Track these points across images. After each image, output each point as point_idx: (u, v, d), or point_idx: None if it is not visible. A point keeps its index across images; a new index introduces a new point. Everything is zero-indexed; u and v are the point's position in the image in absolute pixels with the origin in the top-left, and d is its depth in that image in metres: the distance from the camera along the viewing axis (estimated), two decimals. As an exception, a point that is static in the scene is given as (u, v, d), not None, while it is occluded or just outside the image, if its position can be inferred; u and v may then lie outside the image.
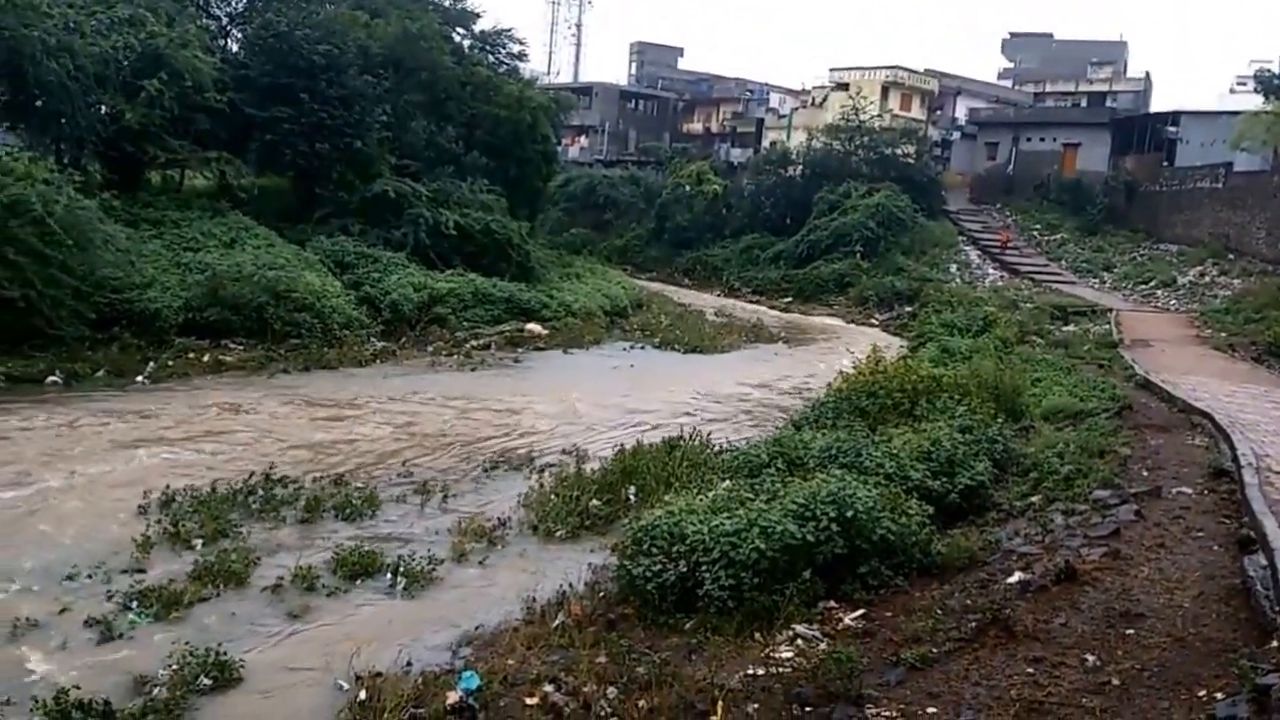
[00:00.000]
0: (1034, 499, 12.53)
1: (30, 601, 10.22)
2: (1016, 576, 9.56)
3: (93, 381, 20.78)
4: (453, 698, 8.19)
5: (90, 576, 10.99)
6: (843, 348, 31.68)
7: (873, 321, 42.75)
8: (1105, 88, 66.44)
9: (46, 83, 24.77)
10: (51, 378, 20.34)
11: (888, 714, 7.33)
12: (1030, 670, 7.61)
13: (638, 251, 59.60)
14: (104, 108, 27.86)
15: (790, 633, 9.18)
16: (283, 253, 29.04)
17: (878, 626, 9.24)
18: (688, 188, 58.58)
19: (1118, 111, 59.77)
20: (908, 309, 42.23)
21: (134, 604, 10.28)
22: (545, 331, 32.33)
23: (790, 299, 48.39)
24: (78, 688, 8.27)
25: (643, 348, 32.84)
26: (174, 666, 8.90)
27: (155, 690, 8.56)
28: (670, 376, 27.50)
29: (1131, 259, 46.60)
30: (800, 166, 57.03)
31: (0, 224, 20.80)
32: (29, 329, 21.23)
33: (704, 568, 9.79)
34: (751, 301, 48.38)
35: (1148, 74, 67.47)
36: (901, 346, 31.76)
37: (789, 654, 8.63)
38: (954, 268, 48.01)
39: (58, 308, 21.56)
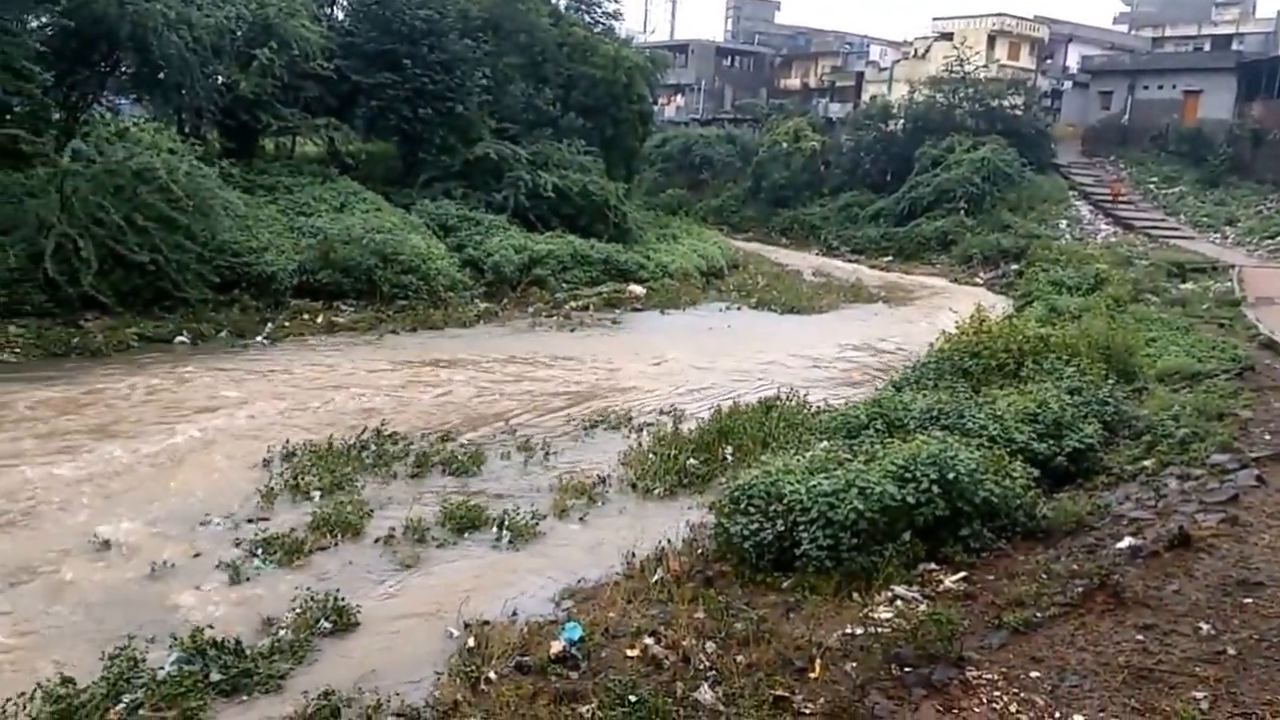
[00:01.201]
0: (1146, 463, 12.22)
1: (168, 546, 10.88)
2: (1127, 542, 9.39)
3: (216, 341, 21.74)
4: (556, 647, 8.48)
5: (220, 524, 11.66)
6: (945, 307, 31.14)
7: (977, 280, 41.75)
8: (1231, 29, 62.81)
9: (168, 55, 25.71)
10: (179, 338, 21.35)
11: (989, 676, 7.36)
12: (1140, 637, 7.52)
13: (734, 211, 59.13)
14: (220, 78, 28.81)
15: (889, 594, 9.22)
16: (389, 217, 29.74)
17: (979, 589, 9.21)
18: (785, 145, 57.74)
19: (1244, 55, 56.28)
20: (1014, 267, 41.07)
21: (259, 551, 10.85)
22: (643, 292, 32.51)
23: (890, 258, 47.54)
24: (211, 626, 8.83)
25: (739, 308, 32.77)
26: (297, 610, 9.42)
27: (281, 632, 9.07)
28: (766, 337, 27.45)
29: (1257, 212, 44.26)
30: (901, 121, 55.64)
31: (130, 191, 21.88)
32: (158, 292, 22.32)
33: (801, 527, 9.87)
34: (850, 261, 47.70)
35: (1280, 13, 63.75)
36: (1007, 306, 31.06)
37: (888, 615, 8.69)
38: (1063, 224, 46.35)
39: (183, 271, 22.59)
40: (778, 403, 16.82)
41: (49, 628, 9.08)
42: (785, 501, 10.15)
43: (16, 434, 14.57)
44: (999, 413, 12.74)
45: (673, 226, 43.89)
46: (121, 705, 7.69)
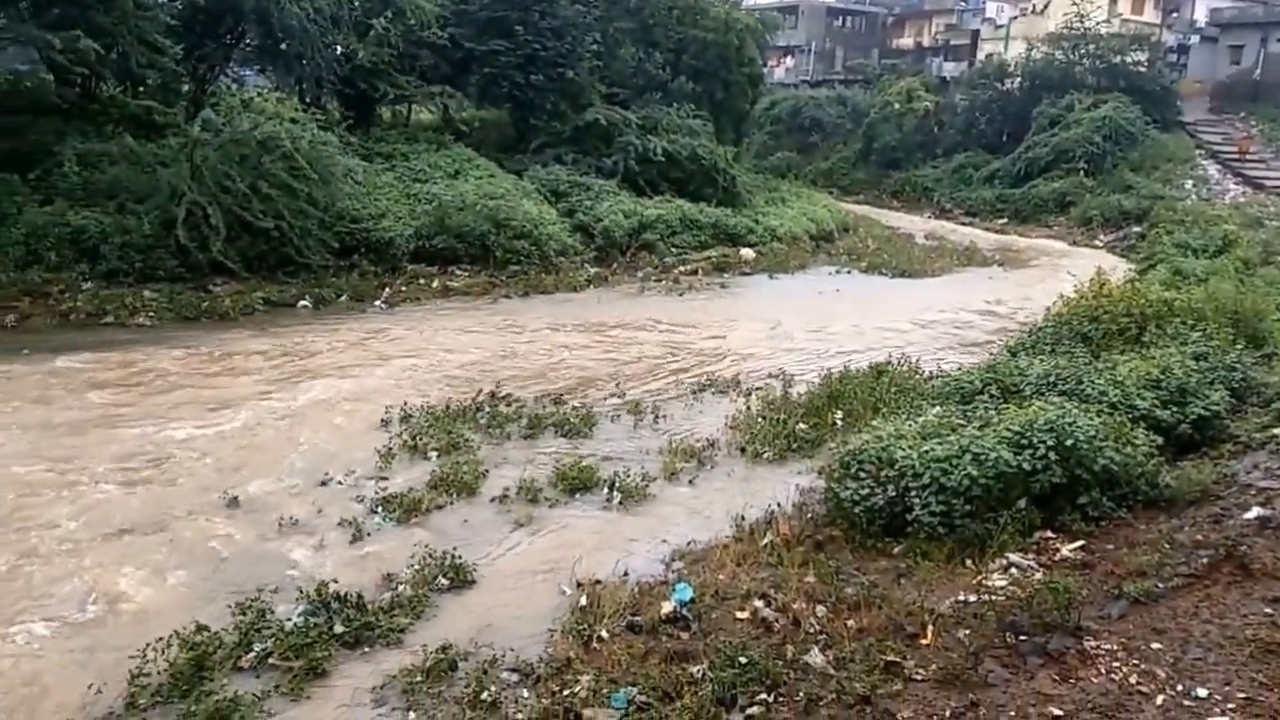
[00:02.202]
0: (1276, 431, 11.59)
1: (293, 503, 11.26)
2: (1255, 512, 8.94)
3: (336, 305, 22.35)
4: (667, 608, 8.50)
5: (341, 482, 12.00)
6: (1063, 271, 30.06)
7: (1096, 243, 40.17)
8: (1374, -22, 58.79)
9: (289, 26, 26.37)
10: (302, 302, 22.01)
11: (1108, 647, 7.11)
12: (1269, 611, 7.16)
13: (844, 174, 58.09)
14: (339, 48, 29.43)
15: (1004, 561, 8.98)
16: (502, 183, 30.04)
17: (1098, 559, 8.89)
18: (897, 106, 56.35)
19: (1387, 5, 52.85)
20: (1136, 229, 39.36)
21: (379, 509, 11.14)
22: (752, 256, 32.21)
23: (1006, 220, 46.08)
24: (335, 581, 9.11)
25: (849, 272, 32.21)
26: (416, 567, 9.64)
27: (400, 587, 9.30)
28: (877, 301, 26.93)
29: (1397, 170, 41.61)
30: (1019, 79, 53.67)
31: (255, 160, 22.56)
32: (282, 258, 23.03)
33: (913, 493, 9.67)
34: (964, 223, 46.42)
35: None
36: (1129, 269, 29.82)
37: (1002, 582, 8.46)
38: (1189, 184, 44.12)
39: (305, 237, 23.25)
40: (889, 367, 16.50)
41: (184, 579, 9.48)
42: (897, 467, 9.96)
43: (151, 395, 15.24)
44: (1120, 378, 12.23)
45: (782, 190, 43.33)
46: (252, 654, 8.02)
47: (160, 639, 7.92)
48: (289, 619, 8.52)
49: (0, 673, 7.70)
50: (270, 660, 7.95)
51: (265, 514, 10.98)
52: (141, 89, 26.09)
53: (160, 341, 18.26)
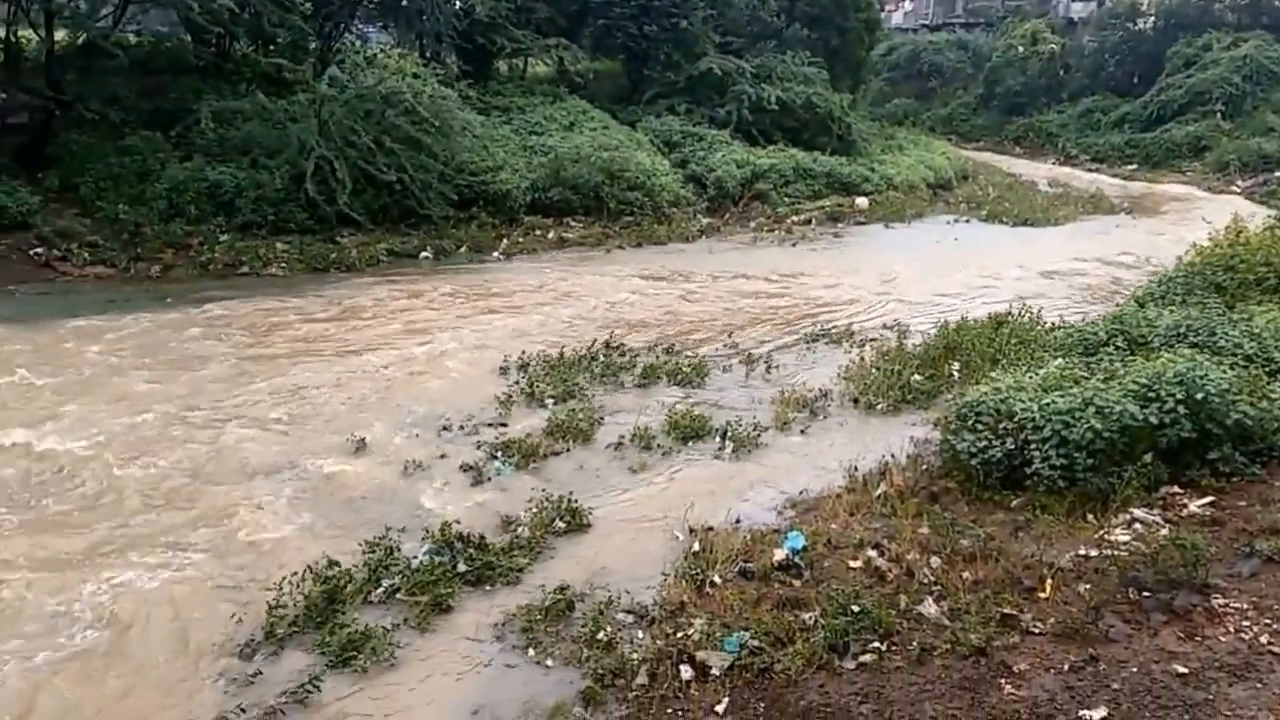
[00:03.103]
0: None
1: (417, 447, 11.58)
2: (1398, 471, 8.46)
3: (456, 257, 22.78)
4: (779, 555, 8.49)
5: (462, 428, 12.28)
6: (1195, 218, 28.56)
7: (1233, 189, 38.05)
8: None
9: (410, -17, 26.74)
10: (424, 253, 22.50)
11: (1237, 605, 6.84)
12: None
13: (964, 120, 56.23)
14: (457, 3, 29.70)
15: (1127, 516, 8.68)
16: (616, 134, 30.03)
17: (1228, 516, 8.51)
18: (1021, 49, 54.11)
19: None
20: (1277, 174, 37.14)
21: (499, 454, 11.37)
22: (867, 205, 31.54)
23: (1135, 166, 44.05)
24: (458, 522, 9.37)
25: (968, 221, 31.28)
26: (534, 510, 9.83)
27: (519, 529, 9.51)
28: (997, 250, 26.11)
29: None
30: (1151, 19, 50.95)
31: (379, 114, 23.05)
32: (405, 210, 23.56)
33: (1033, 446, 9.39)
34: (1090, 170, 44.49)
35: None
36: (1268, 216, 28.14)
37: (1125, 537, 8.19)
38: (1337, 126, 41.40)
39: (426, 190, 23.71)
40: (1008, 318, 15.99)
41: (315, 517, 9.87)
42: (1016, 419, 9.68)
43: (283, 342, 15.83)
44: (1256, 331, 11.60)
45: (898, 137, 42.22)
46: (381, 589, 8.33)
47: (295, 573, 8.28)
48: (415, 557, 8.81)
49: (149, 603, 8.16)
50: (398, 595, 8.25)
51: (390, 457, 11.33)
52: (272, 47, 26.83)
53: (291, 291, 18.92)
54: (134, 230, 20.84)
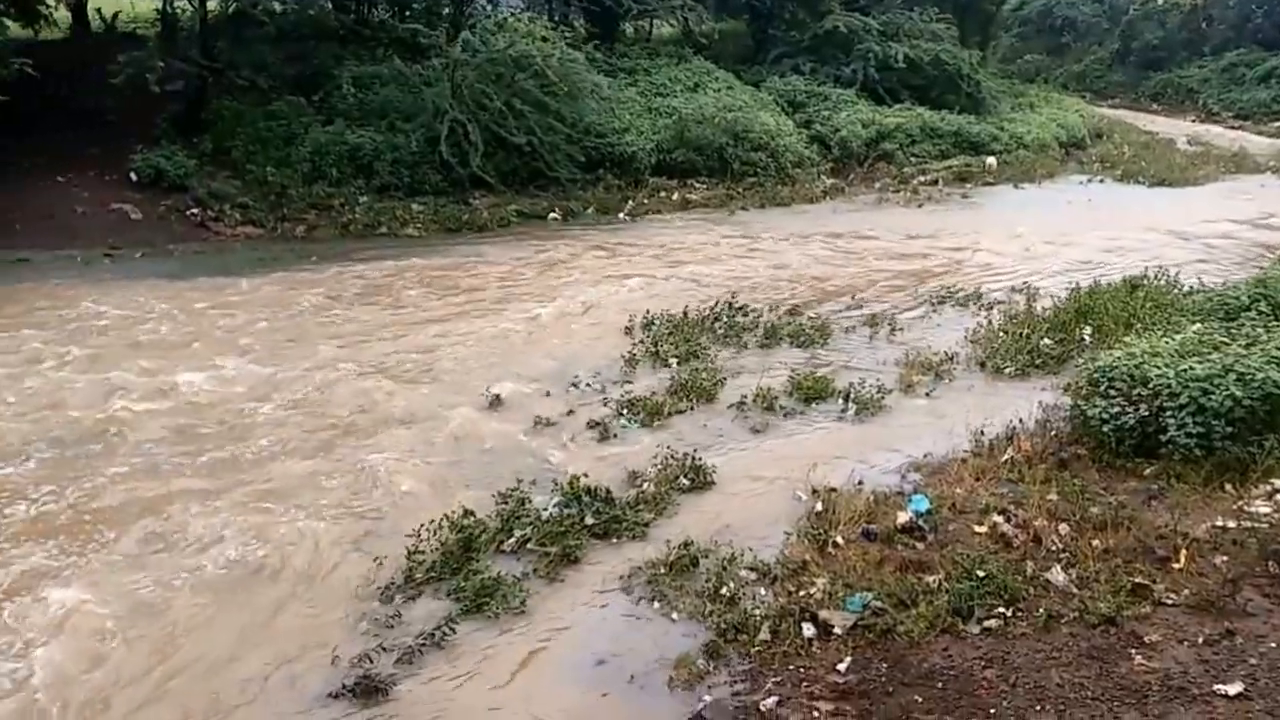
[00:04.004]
0: None
1: (546, 404, 11.81)
2: None
3: (583, 218, 22.98)
4: (903, 518, 8.39)
5: (589, 385, 12.45)
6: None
7: (1393, 146, 35.36)
8: None
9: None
10: (551, 214, 22.77)
11: (1386, 583, 6.48)
12: None
13: (1098, 77, 53.46)
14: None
15: (1269, 487, 8.28)
16: (740, 95, 29.68)
17: (1376, 489, 8.06)
18: (1160, 1, 51.08)
19: None
20: None
21: (624, 411, 11.50)
22: (996, 165, 30.43)
23: (1284, 122, 41.25)
24: (585, 476, 9.52)
25: (1101, 181, 29.90)
26: (659, 466, 9.92)
27: (644, 485, 9.61)
28: (1132, 211, 24.91)
29: None
30: (1306, -34, 47.37)
31: (509, 78, 23.34)
32: (533, 172, 23.87)
33: (1169, 413, 9.01)
34: (1233, 127, 41.84)
35: None
36: None
37: (1266, 509, 7.83)
38: None
39: (554, 152, 23.95)
40: (1144, 281, 15.27)
41: (452, 469, 10.19)
42: (1151, 386, 9.29)
43: (420, 299, 16.30)
44: None
45: (1029, 95, 40.49)
46: (513, 539, 8.55)
47: (432, 521, 8.58)
48: (545, 509, 9.01)
49: (297, 542, 8.58)
50: (529, 545, 8.47)
51: (521, 412, 11.58)
52: (407, 13, 27.35)
53: (427, 251, 19.43)
54: (280, 192, 21.69)
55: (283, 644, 7.29)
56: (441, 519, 8.63)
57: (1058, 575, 7.28)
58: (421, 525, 8.51)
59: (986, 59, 41.70)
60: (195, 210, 20.94)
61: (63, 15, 26.78)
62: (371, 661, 6.91)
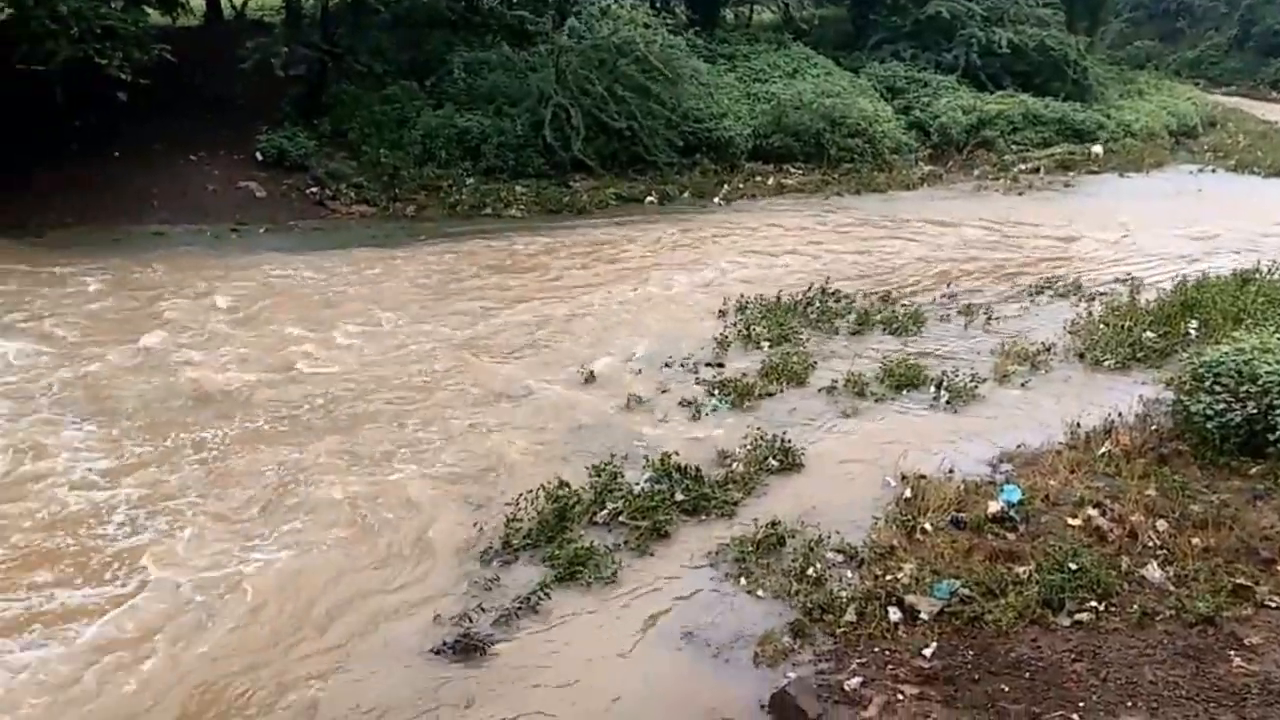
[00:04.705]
0: None
1: (639, 382, 11.85)
2: None
3: (679, 202, 22.87)
4: (994, 507, 8.19)
5: (682, 365, 12.45)
6: None
7: None
8: None
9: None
10: (649, 198, 22.73)
11: None
12: None
13: (1214, 63, 50.90)
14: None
15: (1382, 492, 7.84)
16: (839, 80, 29.13)
17: None
18: (1285, -16, 48.36)
19: None
20: None
21: (716, 392, 11.46)
22: (1101, 153, 29.26)
23: None
24: (677, 453, 9.53)
25: (1213, 171, 28.53)
26: (748, 447, 9.88)
27: (734, 465, 9.58)
28: (1244, 203, 23.73)
29: None
30: None
31: (611, 64, 23.34)
32: (632, 156, 23.84)
33: (1278, 411, 8.60)
34: (1359, 116, 39.45)
35: None
36: None
37: (1379, 514, 7.41)
38: None
39: (653, 137, 23.88)
40: (1256, 275, 14.57)
41: (548, 441, 10.31)
42: (1260, 382, 8.88)
43: (521, 278, 16.47)
44: None
45: (1139, 82, 38.75)
46: (605, 511, 8.63)
47: (530, 491, 8.70)
48: (637, 484, 9.06)
49: (403, 504, 8.80)
50: (620, 518, 8.53)
51: (615, 389, 11.64)
52: (515, 0, 27.50)
53: (529, 232, 19.61)
54: (393, 173, 22.12)
55: (391, 599, 7.52)
56: (538, 489, 8.74)
57: (1154, 572, 7.02)
58: (519, 495, 8.64)
59: (1094, 45, 40.04)
60: (314, 189, 21.51)
61: (198, 2, 27.72)
62: (471, 621, 7.07)
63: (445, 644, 6.88)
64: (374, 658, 6.82)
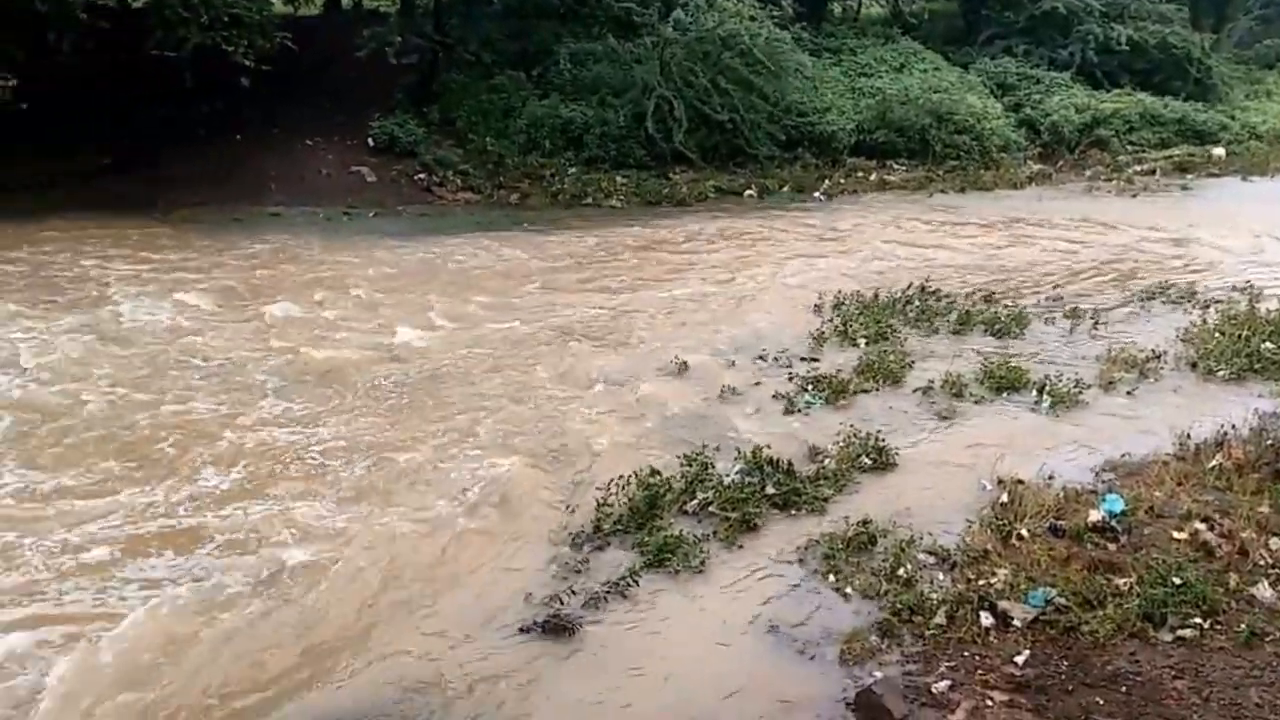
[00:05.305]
0: None
1: (732, 374, 11.78)
2: None
3: (779, 196, 22.72)
4: (1094, 516, 7.91)
5: (776, 359, 12.33)
6: None
7: None
8: None
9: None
10: (748, 191, 22.63)
11: None
12: None
13: (1356, 61, 48.09)
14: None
15: None
16: (947, 76, 28.56)
17: None
18: None
19: None
20: None
21: (810, 387, 11.31)
22: (1223, 156, 27.98)
23: None
24: (768, 447, 9.45)
25: (1348, 175, 27.02)
26: (841, 444, 9.73)
27: (825, 461, 9.45)
28: (1380, 211, 22.39)
29: None
30: None
31: (716, 56, 23.29)
32: (733, 149, 23.81)
33: (1407, 431, 8.12)
34: None
35: None
36: None
37: None
38: None
39: (755, 130, 23.79)
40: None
41: (640, 429, 10.34)
42: (1389, 401, 8.38)
43: (619, 267, 16.58)
44: None
45: (1267, 82, 36.89)
46: (695, 501, 8.61)
47: (621, 477, 8.74)
48: (727, 475, 9.01)
49: (497, 485, 8.92)
50: (710, 509, 8.49)
51: (708, 380, 11.59)
52: (622, -9, 27.62)
53: (628, 222, 19.73)
54: (498, 161, 22.52)
55: (483, 577, 7.64)
56: (630, 476, 8.77)
57: (1265, 591, 6.70)
58: (611, 480, 8.68)
59: (1220, 43, 38.30)
60: (422, 175, 22.03)
61: (318, -7, 28.65)
62: (561, 603, 7.13)
63: (535, 623, 6.96)
64: (467, 634, 6.93)
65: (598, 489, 8.64)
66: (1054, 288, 15.70)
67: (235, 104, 21.18)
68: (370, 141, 22.63)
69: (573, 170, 22.64)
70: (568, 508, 8.51)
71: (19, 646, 6.53)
